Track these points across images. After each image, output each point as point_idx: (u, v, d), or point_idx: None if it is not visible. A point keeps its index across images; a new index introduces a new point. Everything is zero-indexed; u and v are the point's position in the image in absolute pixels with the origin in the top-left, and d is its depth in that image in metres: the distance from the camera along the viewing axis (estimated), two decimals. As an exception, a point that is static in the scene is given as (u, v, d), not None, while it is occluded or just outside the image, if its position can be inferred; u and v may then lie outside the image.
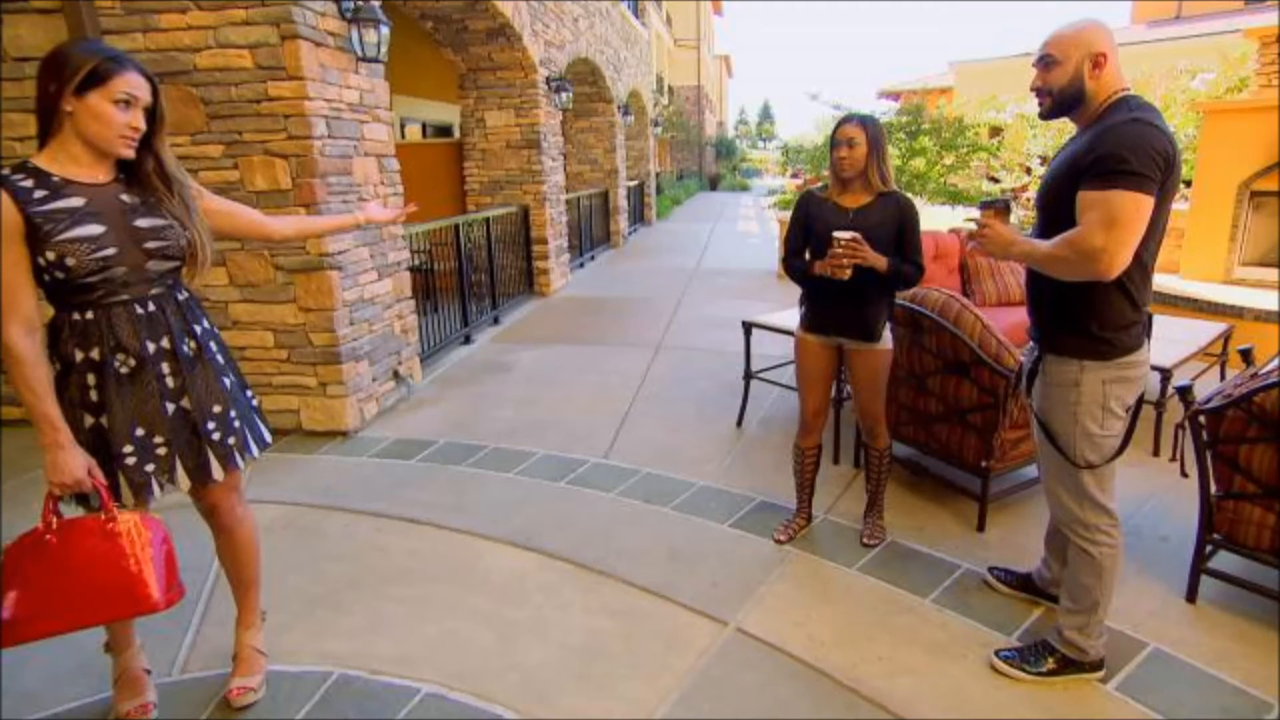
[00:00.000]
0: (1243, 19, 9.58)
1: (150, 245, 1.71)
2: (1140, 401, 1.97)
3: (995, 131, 11.39)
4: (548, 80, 7.79)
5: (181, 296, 1.84)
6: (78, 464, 1.63)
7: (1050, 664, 2.09)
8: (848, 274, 2.44)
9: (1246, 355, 2.70)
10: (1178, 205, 5.77)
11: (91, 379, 1.71)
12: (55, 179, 1.62)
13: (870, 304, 2.57)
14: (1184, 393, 2.34)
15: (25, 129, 3.72)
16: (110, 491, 1.68)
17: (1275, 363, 2.72)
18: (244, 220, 2.06)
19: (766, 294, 7.81)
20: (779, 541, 2.86)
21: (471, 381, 5.06)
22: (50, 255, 1.59)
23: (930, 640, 2.28)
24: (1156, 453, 3.56)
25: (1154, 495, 3.16)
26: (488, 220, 6.61)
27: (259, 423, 2.02)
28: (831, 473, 3.46)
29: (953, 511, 3.08)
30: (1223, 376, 4.20)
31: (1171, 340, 3.89)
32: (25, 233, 1.57)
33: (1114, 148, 1.72)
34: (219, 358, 1.91)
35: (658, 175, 19.38)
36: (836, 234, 2.42)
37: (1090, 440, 1.94)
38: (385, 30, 4.10)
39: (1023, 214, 7.83)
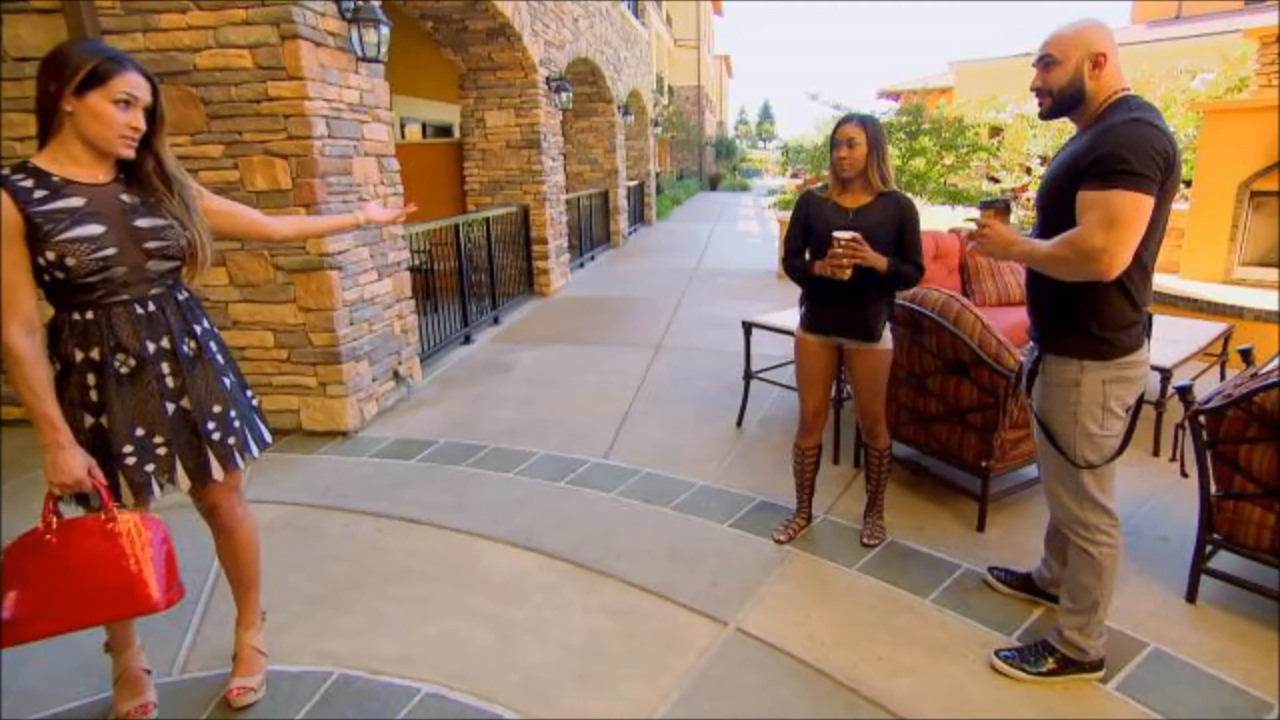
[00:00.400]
0: (1243, 19, 9.58)
1: (150, 245, 1.71)
2: (1140, 401, 1.97)
3: (995, 131, 11.40)
4: (548, 80, 7.79)
5: (181, 296, 1.84)
6: (78, 464, 1.63)
7: (1050, 664, 2.09)
8: (848, 274, 2.44)
9: (1246, 355, 2.70)
10: (1178, 205, 5.76)
11: (91, 379, 1.71)
12: (55, 179, 1.62)
13: (870, 304, 2.57)
14: (1184, 393, 2.34)
15: (25, 129, 3.72)
16: (110, 491, 1.68)
17: (1275, 363, 2.72)
18: (244, 220, 2.06)
19: (766, 294, 7.81)
20: (779, 541, 2.86)
21: (471, 381, 5.06)
22: (50, 255, 1.59)
23: (930, 640, 2.28)
24: (1156, 453, 3.56)
25: (1154, 495, 3.16)
26: (488, 220, 6.61)
27: (259, 423, 2.02)
28: (831, 473, 3.46)
29: (953, 511, 3.08)
30: (1223, 376, 4.20)
31: (1171, 340, 3.89)
32: (25, 233, 1.57)
33: (1114, 148, 1.72)
34: (219, 358, 1.91)
35: (658, 175, 19.38)
36: (836, 234, 2.42)
37: (1090, 440, 1.94)
38: (385, 30, 4.10)
39: (1023, 214, 7.83)
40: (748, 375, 4.16)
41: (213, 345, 1.89)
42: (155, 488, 1.79)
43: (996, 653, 2.17)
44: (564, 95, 8.07)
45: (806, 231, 2.66)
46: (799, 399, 2.83)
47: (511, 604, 2.51)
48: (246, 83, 3.65)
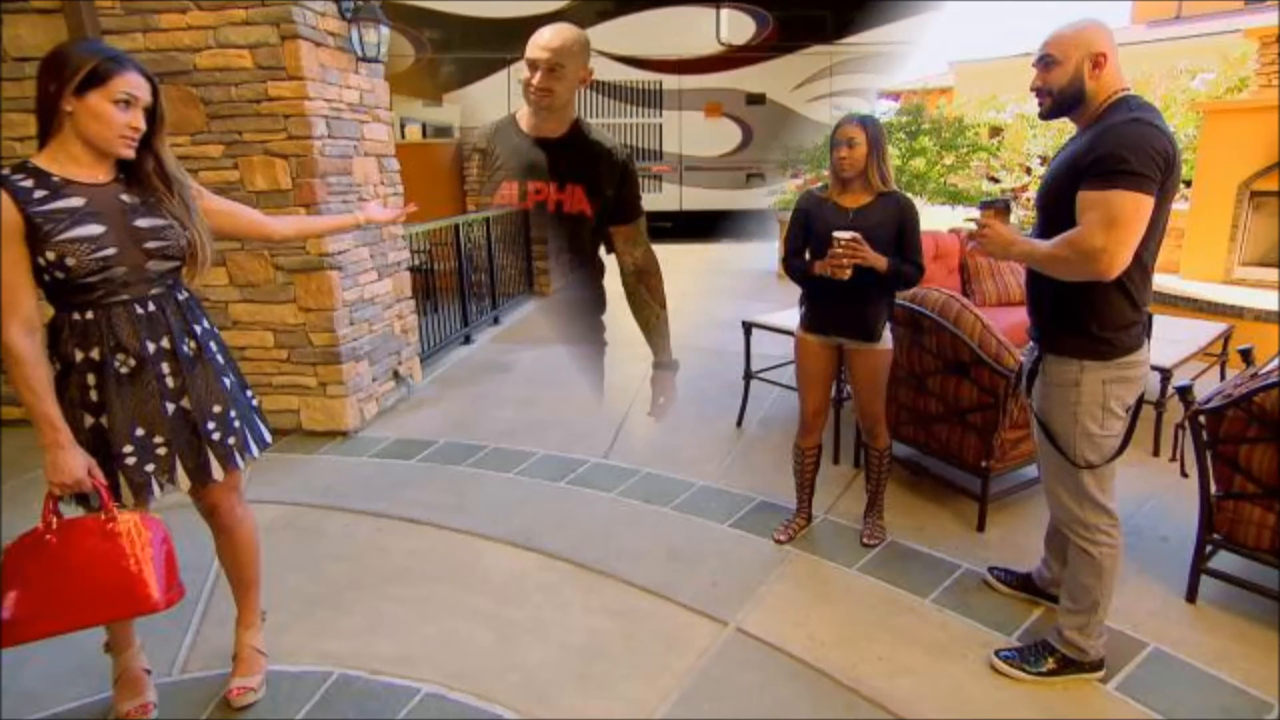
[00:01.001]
0: (1243, 19, 9.57)
1: (150, 245, 1.71)
2: (1140, 401, 1.98)
3: (995, 131, 11.37)
4: (548, 80, 7.77)
5: (181, 296, 1.84)
6: (78, 464, 1.63)
7: (1050, 664, 2.09)
8: (848, 274, 2.44)
9: (1246, 355, 2.70)
10: (1178, 205, 5.75)
11: (91, 379, 1.71)
12: (55, 179, 1.62)
13: (870, 304, 2.57)
14: (1184, 393, 2.34)
15: (25, 129, 3.71)
16: (110, 491, 1.68)
17: (1275, 363, 2.72)
18: (244, 220, 2.06)
19: (766, 294, 7.80)
20: (779, 541, 2.86)
21: (471, 381, 5.06)
22: (50, 255, 1.59)
23: (930, 640, 2.28)
24: (1156, 453, 3.56)
25: (1154, 495, 3.16)
26: (488, 220, 6.60)
27: (259, 423, 2.02)
28: (831, 473, 3.46)
29: (953, 511, 3.08)
30: (1223, 376, 4.20)
31: (1171, 340, 3.88)
32: (25, 233, 1.57)
33: (1114, 148, 1.72)
34: (219, 358, 1.91)
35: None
36: (836, 234, 2.42)
37: (1090, 440, 1.94)
38: (385, 30, 4.10)
39: (1023, 214, 7.82)
40: (748, 375, 4.16)
41: (213, 345, 1.89)
42: (155, 488, 1.79)
43: (996, 653, 2.17)
44: (564, 95, 8.05)
45: (806, 231, 2.66)
46: (799, 399, 2.83)
47: (511, 604, 2.51)
48: (246, 83, 3.64)
